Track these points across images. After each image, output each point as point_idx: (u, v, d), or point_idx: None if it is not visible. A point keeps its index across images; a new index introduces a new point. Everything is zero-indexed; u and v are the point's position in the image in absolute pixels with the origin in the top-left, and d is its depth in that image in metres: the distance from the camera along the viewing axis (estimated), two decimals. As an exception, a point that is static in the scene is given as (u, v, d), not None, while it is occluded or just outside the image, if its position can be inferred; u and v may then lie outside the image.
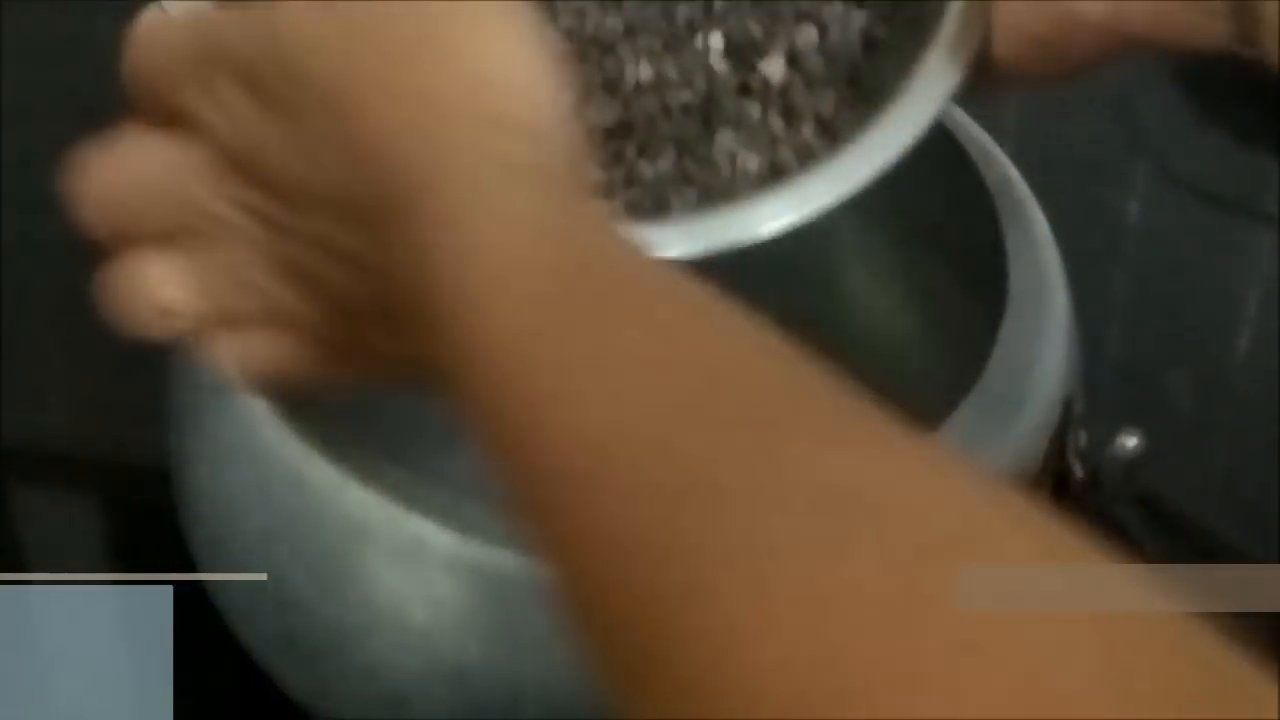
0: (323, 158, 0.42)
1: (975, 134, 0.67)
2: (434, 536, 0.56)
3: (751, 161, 0.56)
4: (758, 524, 0.33)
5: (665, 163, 0.56)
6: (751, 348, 0.38)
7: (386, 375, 0.45)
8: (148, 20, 0.46)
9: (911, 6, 0.57)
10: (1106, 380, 0.72)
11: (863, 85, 0.57)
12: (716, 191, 0.56)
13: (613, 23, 0.57)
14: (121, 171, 0.46)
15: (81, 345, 0.73)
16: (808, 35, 0.58)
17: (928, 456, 0.35)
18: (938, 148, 0.65)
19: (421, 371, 0.41)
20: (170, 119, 0.45)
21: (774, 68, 0.57)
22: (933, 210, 0.69)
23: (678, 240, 0.53)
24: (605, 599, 0.35)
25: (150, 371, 0.63)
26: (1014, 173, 0.66)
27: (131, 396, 0.72)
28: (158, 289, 0.45)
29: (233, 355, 0.46)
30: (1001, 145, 0.67)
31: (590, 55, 0.57)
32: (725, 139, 0.57)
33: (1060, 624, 0.30)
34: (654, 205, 0.56)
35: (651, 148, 0.56)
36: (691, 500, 0.34)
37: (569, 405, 0.37)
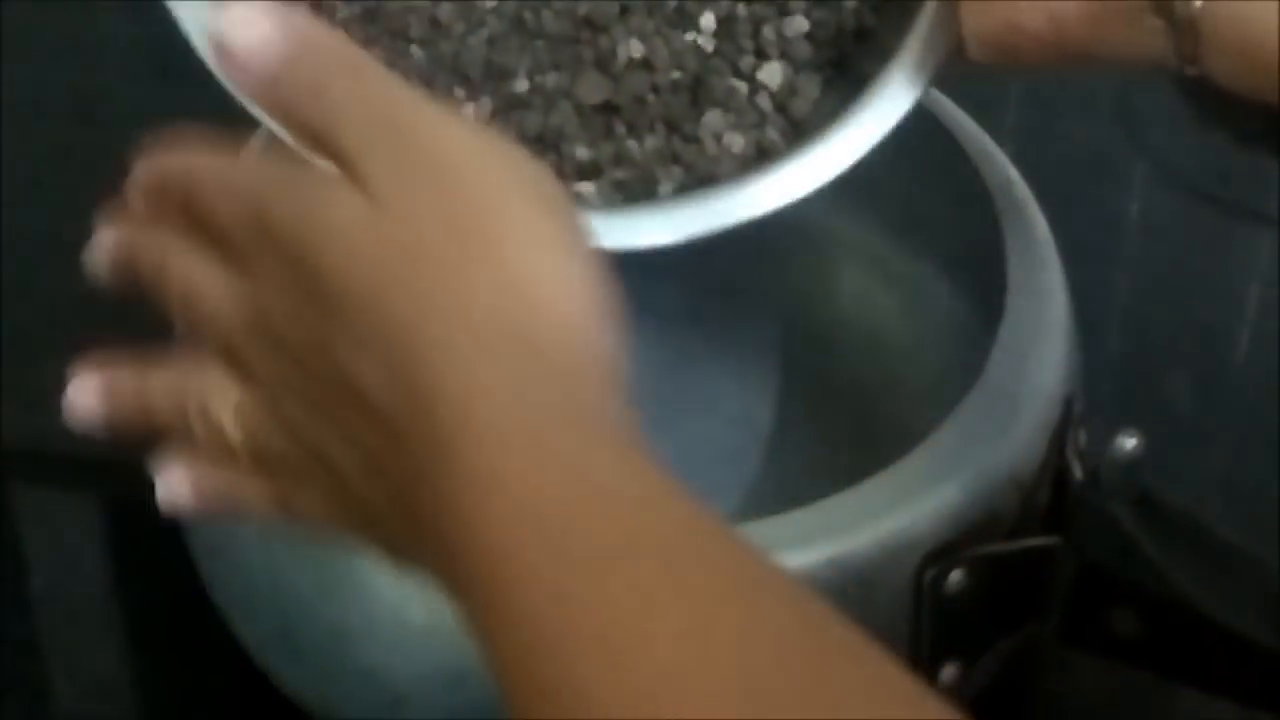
0: (354, 356, 0.41)
1: (975, 134, 0.67)
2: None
3: (736, 142, 0.57)
4: None
5: (653, 141, 0.57)
6: (791, 630, 0.36)
7: (399, 560, 0.43)
8: (216, 155, 0.45)
9: None
10: (1106, 380, 0.72)
11: (849, 70, 0.58)
12: (702, 170, 0.56)
13: (608, 5, 0.57)
14: (191, 256, 0.45)
15: (81, 345, 0.73)
16: (797, 23, 0.58)
17: None
18: (938, 148, 0.65)
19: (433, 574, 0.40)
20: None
21: (770, 73, 0.58)
22: (932, 210, 0.69)
23: (658, 227, 0.54)
24: None
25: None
26: (1014, 173, 0.66)
27: (131, 396, 0.72)
28: (211, 398, 0.45)
29: (248, 494, 0.45)
30: (1001, 145, 0.67)
31: (583, 35, 0.57)
32: (712, 118, 0.57)
33: None
34: (642, 183, 0.56)
35: (640, 126, 0.57)
36: None
37: (599, 693, 0.36)
